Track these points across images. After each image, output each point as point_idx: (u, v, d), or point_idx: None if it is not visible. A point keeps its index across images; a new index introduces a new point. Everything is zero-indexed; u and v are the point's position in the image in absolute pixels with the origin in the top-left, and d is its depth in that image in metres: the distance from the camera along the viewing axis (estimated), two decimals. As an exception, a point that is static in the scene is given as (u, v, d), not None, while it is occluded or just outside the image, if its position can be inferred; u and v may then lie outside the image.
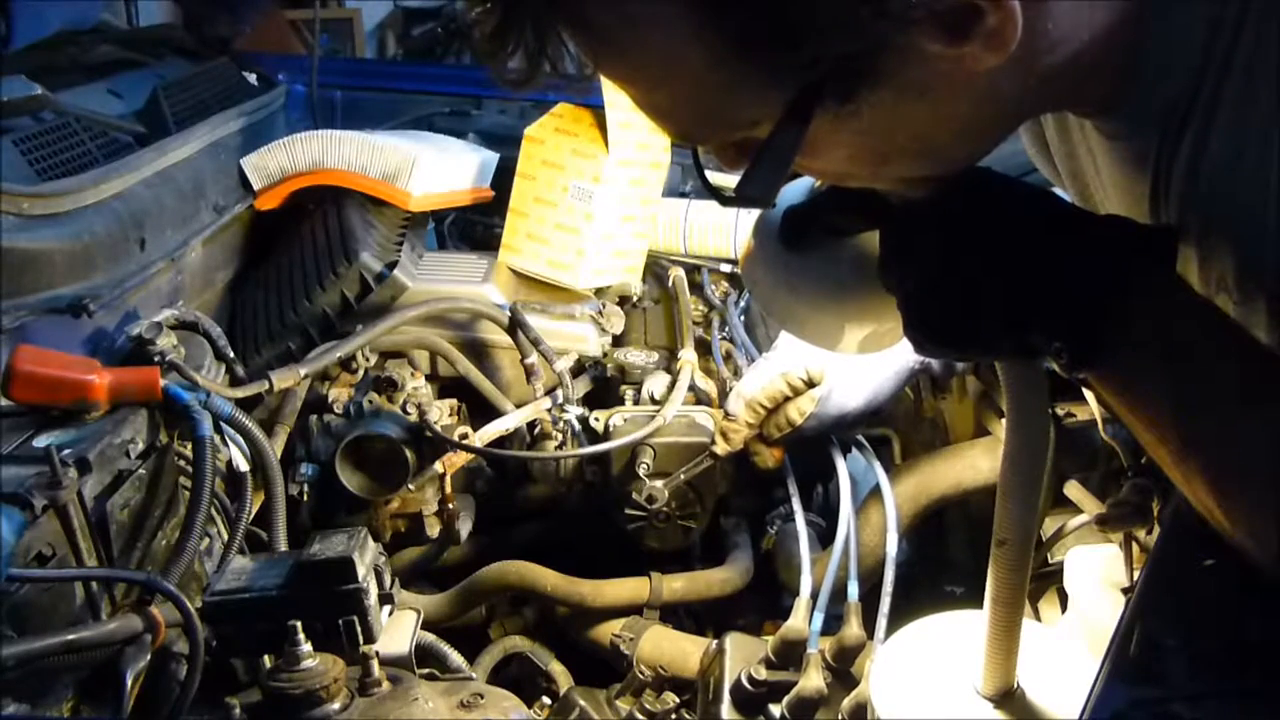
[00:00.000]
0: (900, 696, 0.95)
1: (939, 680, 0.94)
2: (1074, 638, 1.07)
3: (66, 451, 1.07)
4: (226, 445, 1.30)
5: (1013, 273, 0.67)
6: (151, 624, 1.01)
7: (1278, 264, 0.62)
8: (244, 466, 1.31)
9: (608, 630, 1.49)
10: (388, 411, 1.60)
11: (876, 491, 1.39)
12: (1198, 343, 0.64)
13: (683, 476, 1.50)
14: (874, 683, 0.99)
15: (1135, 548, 1.07)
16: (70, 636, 0.93)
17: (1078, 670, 0.93)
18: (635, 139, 1.77)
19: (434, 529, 1.60)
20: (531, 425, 1.62)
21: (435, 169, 1.75)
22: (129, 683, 0.99)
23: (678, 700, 1.36)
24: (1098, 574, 1.10)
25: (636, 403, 1.62)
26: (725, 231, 1.94)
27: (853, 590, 1.25)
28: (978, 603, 0.88)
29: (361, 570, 1.09)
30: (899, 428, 1.69)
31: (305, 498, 1.58)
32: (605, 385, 1.70)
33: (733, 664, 1.23)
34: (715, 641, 1.33)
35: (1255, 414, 0.61)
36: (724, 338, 1.81)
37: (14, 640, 0.90)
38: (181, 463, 1.28)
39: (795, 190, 0.84)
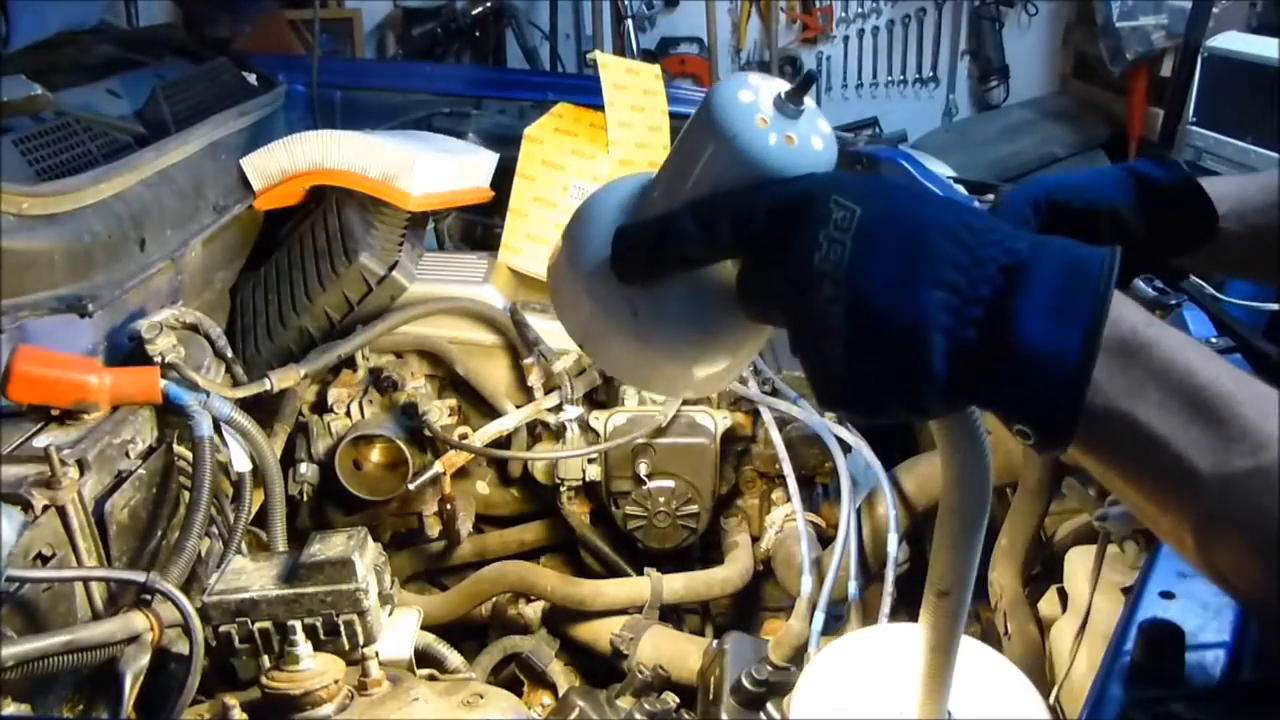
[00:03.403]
0: None
1: (865, 709, 0.90)
2: (1073, 639, 1.07)
3: (66, 451, 1.07)
4: (226, 445, 1.29)
5: (950, 330, 0.53)
6: (151, 624, 1.01)
7: None
8: (244, 467, 1.31)
9: (607, 630, 1.49)
10: (388, 412, 1.61)
11: (877, 491, 1.39)
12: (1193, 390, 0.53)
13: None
14: (796, 707, 0.95)
15: (1135, 548, 1.07)
16: (70, 636, 0.93)
17: (1010, 695, 0.89)
18: (635, 139, 1.77)
19: (434, 529, 1.60)
20: (531, 425, 1.62)
21: (435, 169, 1.75)
22: (129, 683, 0.99)
23: (678, 700, 1.36)
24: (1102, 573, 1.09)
25: (637, 403, 1.62)
26: (725, 231, 1.94)
27: (853, 590, 1.25)
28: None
29: (361, 570, 1.09)
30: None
31: (305, 498, 1.58)
32: (605, 385, 1.70)
33: (733, 664, 1.23)
34: (715, 641, 1.33)
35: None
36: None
37: (14, 640, 0.90)
38: (181, 463, 1.28)
39: (619, 194, 0.66)
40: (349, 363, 1.63)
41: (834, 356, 0.55)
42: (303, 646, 1.04)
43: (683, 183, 0.61)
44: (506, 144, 1.95)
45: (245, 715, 1.04)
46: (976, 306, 0.53)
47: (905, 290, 0.53)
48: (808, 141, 0.59)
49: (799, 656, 1.18)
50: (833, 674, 0.92)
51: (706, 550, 1.70)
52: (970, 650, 0.89)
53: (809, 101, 0.60)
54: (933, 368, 0.53)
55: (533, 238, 1.79)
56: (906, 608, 1.33)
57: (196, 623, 1.00)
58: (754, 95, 0.59)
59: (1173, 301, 1.24)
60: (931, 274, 0.53)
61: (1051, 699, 1.00)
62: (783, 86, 0.60)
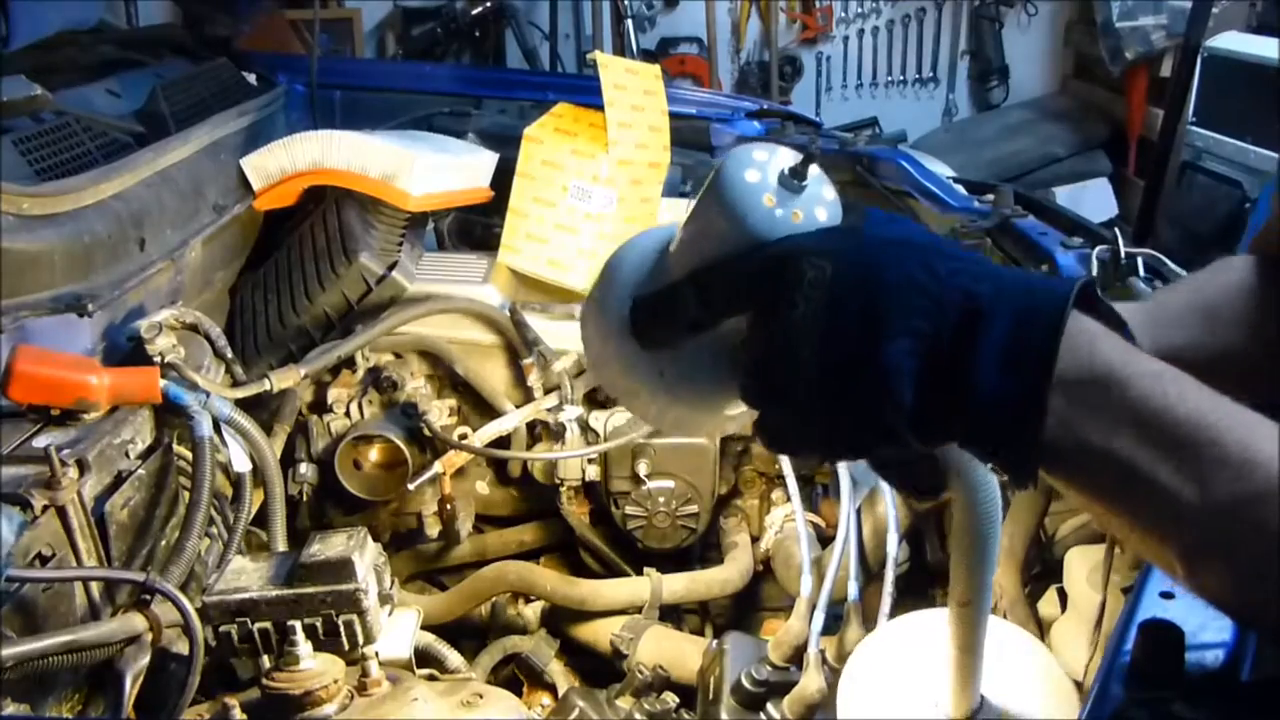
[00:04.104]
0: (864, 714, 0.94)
1: (903, 697, 0.93)
2: (1073, 638, 1.07)
3: (66, 451, 1.07)
4: (226, 445, 1.29)
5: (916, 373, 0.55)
6: (151, 624, 1.01)
7: None
8: (244, 467, 1.31)
9: (607, 630, 1.49)
10: (388, 411, 1.61)
11: (876, 491, 1.39)
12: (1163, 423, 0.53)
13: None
14: (840, 697, 0.97)
15: (1135, 548, 1.06)
16: (70, 636, 0.93)
17: (1043, 676, 0.93)
18: (635, 139, 1.77)
19: (434, 529, 1.60)
20: (531, 425, 1.62)
21: (435, 169, 1.75)
22: (129, 683, 0.99)
23: (678, 700, 1.36)
24: (1098, 574, 1.09)
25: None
26: (725, 231, 1.94)
27: (853, 590, 1.25)
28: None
29: (361, 570, 1.09)
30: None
31: (305, 498, 1.58)
32: (605, 385, 1.70)
33: (733, 664, 1.23)
34: (715, 641, 1.33)
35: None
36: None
37: (14, 640, 0.90)
38: (181, 463, 1.28)
39: (637, 256, 0.70)
40: (349, 363, 1.63)
41: (811, 409, 0.58)
42: (303, 647, 1.04)
43: (696, 255, 0.65)
44: (506, 144, 1.95)
45: (245, 715, 1.04)
46: (939, 351, 0.55)
47: (873, 341, 0.56)
48: (813, 214, 0.63)
49: (799, 656, 1.18)
50: (875, 665, 0.95)
51: (706, 550, 1.70)
52: (1002, 632, 0.94)
53: (813, 170, 0.64)
54: (903, 411, 0.56)
55: (533, 237, 1.79)
56: (907, 608, 1.33)
57: (196, 623, 1.00)
58: (760, 174, 0.63)
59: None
60: (897, 324, 0.56)
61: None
62: (789, 160, 0.64)
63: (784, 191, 0.63)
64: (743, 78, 4.91)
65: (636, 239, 0.72)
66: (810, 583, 1.28)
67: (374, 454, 1.58)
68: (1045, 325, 0.54)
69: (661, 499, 1.57)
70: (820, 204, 0.64)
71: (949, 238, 1.63)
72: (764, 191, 0.63)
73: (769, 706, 1.17)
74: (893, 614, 1.20)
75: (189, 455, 1.25)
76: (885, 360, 0.55)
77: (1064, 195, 4.18)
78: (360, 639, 1.10)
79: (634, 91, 1.80)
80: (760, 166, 0.64)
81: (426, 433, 1.53)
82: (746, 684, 1.18)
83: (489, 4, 4.37)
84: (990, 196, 1.70)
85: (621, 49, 4.50)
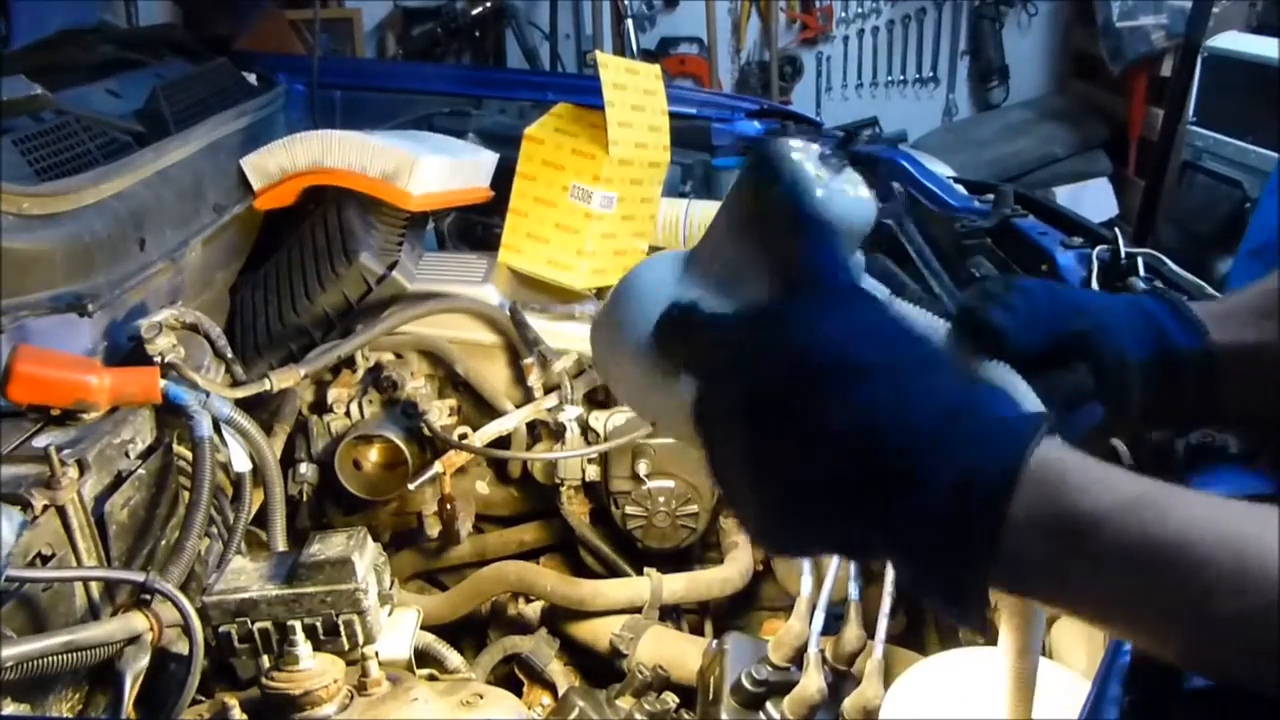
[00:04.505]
0: None
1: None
2: (1073, 639, 1.07)
3: (66, 451, 1.07)
4: (226, 445, 1.29)
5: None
6: (151, 624, 1.01)
7: None
8: (244, 467, 1.31)
9: (607, 630, 1.49)
10: (388, 411, 1.61)
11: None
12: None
13: None
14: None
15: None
16: (70, 636, 0.93)
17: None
18: (635, 139, 1.77)
19: (434, 529, 1.60)
20: (531, 425, 1.62)
21: (435, 169, 1.75)
22: (129, 683, 0.99)
23: (678, 700, 1.36)
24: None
25: (636, 403, 1.62)
26: (725, 231, 1.94)
27: (853, 590, 1.25)
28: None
29: (361, 570, 1.09)
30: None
31: (305, 498, 1.58)
32: (605, 385, 1.70)
33: (733, 664, 1.23)
34: (715, 641, 1.33)
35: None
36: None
37: (14, 640, 0.90)
38: (181, 463, 1.28)
39: (653, 274, 0.69)
40: (349, 363, 1.63)
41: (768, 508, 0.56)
42: (302, 646, 1.04)
43: (735, 243, 0.65)
44: (506, 144, 1.95)
45: (245, 715, 1.04)
46: (869, 546, 0.54)
47: (796, 527, 0.55)
48: (858, 190, 0.65)
49: (799, 656, 1.18)
50: (920, 697, 0.96)
51: (706, 550, 1.70)
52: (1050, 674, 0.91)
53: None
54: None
55: (533, 237, 1.79)
56: (906, 607, 1.33)
57: (196, 623, 1.00)
58: (803, 154, 0.64)
59: (1172, 301, 1.23)
60: (817, 529, 0.55)
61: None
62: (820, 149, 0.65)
63: (828, 170, 0.64)
64: (743, 78, 4.91)
65: (651, 261, 0.71)
66: (810, 583, 1.28)
67: (374, 454, 1.58)
68: (987, 499, 0.50)
69: (661, 499, 1.57)
70: (859, 184, 0.65)
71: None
72: (813, 170, 0.63)
73: (769, 706, 1.17)
74: (892, 613, 1.20)
75: (189, 455, 1.25)
76: (811, 545, 0.57)
77: (1064, 195, 4.18)
78: (360, 639, 1.10)
79: (634, 91, 1.80)
80: (802, 150, 0.65)
81: (426, 432, 1.53)
82: (746, 684, 1.18)
83: (489, 4, 4.37)
84: (990, 196, 1.70)
85: (621, 49, 4.50)
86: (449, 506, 1.56)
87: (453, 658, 1.38)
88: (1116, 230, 1.40)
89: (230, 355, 1.47)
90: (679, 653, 1.42)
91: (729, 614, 1.66)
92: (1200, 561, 0.48)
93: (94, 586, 1.07)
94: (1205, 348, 0.73)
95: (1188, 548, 0.49)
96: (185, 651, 1.01)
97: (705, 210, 1.97)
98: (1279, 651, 0.46)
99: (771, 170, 0.63)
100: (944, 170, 1.93)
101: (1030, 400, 0.64)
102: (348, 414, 1.60)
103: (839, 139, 0.66)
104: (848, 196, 0.64)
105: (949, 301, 0.69)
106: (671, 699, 1.36)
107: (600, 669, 1.52)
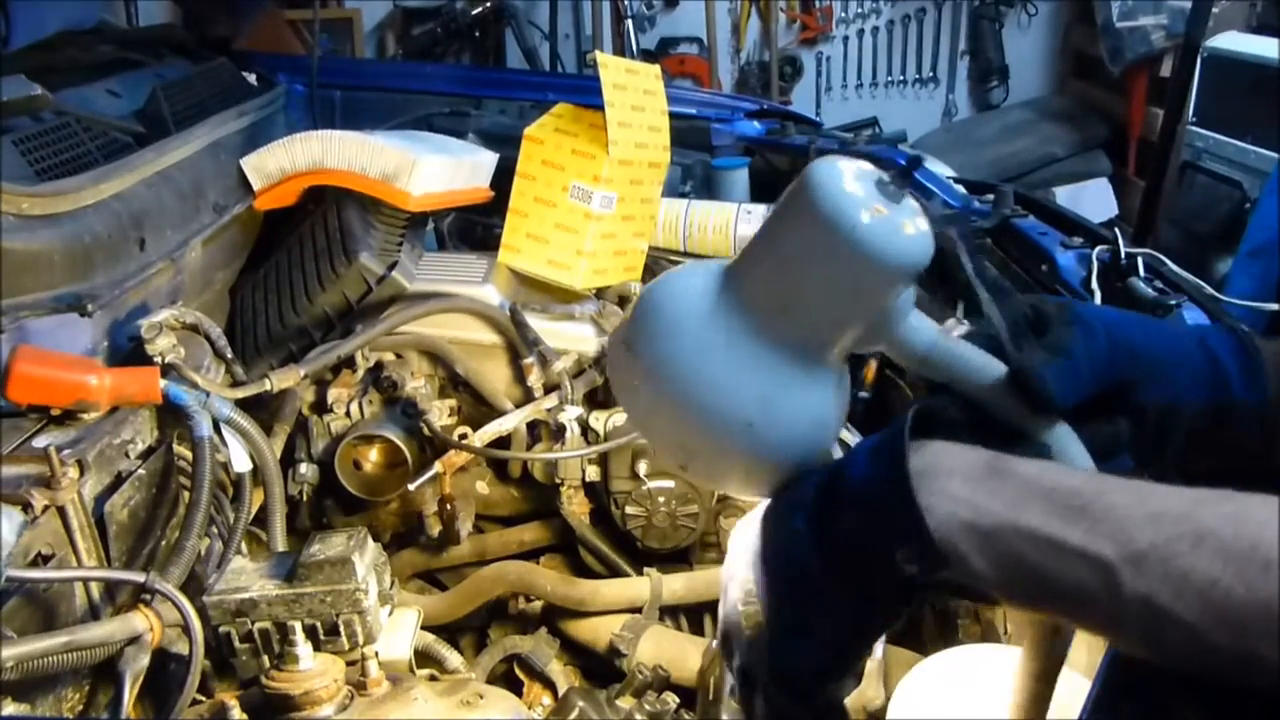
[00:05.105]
0: None
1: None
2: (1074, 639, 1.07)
3: (66, 451, 1.07)
4: (226, 445, 1.29)
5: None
6: (151, 624, 1.01)
7: None
8: (244, 467, 1.31)
9: (607, 630, 1.49)
10: (388, 411, 1.61)
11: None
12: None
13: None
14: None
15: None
16: (70, 637, 0.93)
17: None
18: (635, 139, 1.77)
19: (434, 529, 1.60)
20: (531, 425, 1.62)
21: (435, 169, 1.75)
22: (129, 683, 0.99)
23: (678, 700, 1.36)
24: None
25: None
26: (725, 231, 1.94)
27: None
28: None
29: (361, 570, 1.09)
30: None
31: (305, 498, 1.58)
32: (605, 385, 1.70)
33: (733, 664, 1.23)
34: (715, 641, 1.33)
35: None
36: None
37: (14, 640, 0.90)
38: (181, 463, 1.28)
39: (683, 294, 0.66)
40: (349, 362, 1.63)
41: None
42: (302, 646, 1.04)
43: (787, 278, 0.62)
44: (506, 144, 1.95)
45: (245, 715, 1.04)
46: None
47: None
48: (916, 225, 0.61)
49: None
50: (920, 701, 0.96)
51: (706, 550, 1.70)
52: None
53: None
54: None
55: (533, 237, 1.79)
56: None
57: (196, 623, 1.00)
58: (861, 185, 0.60)
59: (1172, 302, 1.23)
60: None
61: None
62: (875, 171, 0.61)
63: (887, 201, 0.59)
64: (743, 78, 4.91)
65: (685, 274, 0.67)
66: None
67: (374, 454, 1.58)
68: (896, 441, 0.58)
69: (661, 499, 1.57)
70: (918, 215, 0.61)
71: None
72: (870, 203, 0.58)
73: (768, 706, 1.16)
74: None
75: (189, 455, 1.25)
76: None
77: (1064, 195, 4.18)
78: (360, 639, 1.10)
79: (634, 91, 1.80)
80: (858, 177, 0.60)
81: (426, 432, 1.53)
82: (746, 684, 1.18)
83: (489, 4, 4.37)
84: (990, 196, 1.70)
85: (621, 49, 4.50)
86: (449, 506, 1.56)
87: (453, 658, 1.38)
88: (1116, 230, 1.41)
89: (230, 355, 1.47)
90: (679, 653, 1.42)
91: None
92: (1107, 507, 0.54)
93: (94, 586, 1.07)
94: (1266, 400, 0.69)
95: (1092, 490, 0.55)
96: (185, 651, 1.01)
97: (705, 210, 1.97)
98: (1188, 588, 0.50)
99: (815, 198, 0.59)
100: (944, 170, 1.93)
101: (1084, 464, 0.64)
102: (348, 414, 1.60)
103: (903, 166, 0.59)
104: (906, 235, 0.59)
105: (1001, 326, 0.65)
106: (671, 699, 1.36)
107: (600, 669, 1.52)
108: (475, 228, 2.11)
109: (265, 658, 1.10)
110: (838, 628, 0.62)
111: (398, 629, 1.26)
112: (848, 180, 0.59)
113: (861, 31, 4.87)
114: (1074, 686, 0.94)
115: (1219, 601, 0.49)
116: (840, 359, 0.66)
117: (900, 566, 0.57)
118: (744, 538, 0.72)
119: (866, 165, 0.61)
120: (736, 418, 0.62)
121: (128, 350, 1.34)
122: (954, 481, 0.57)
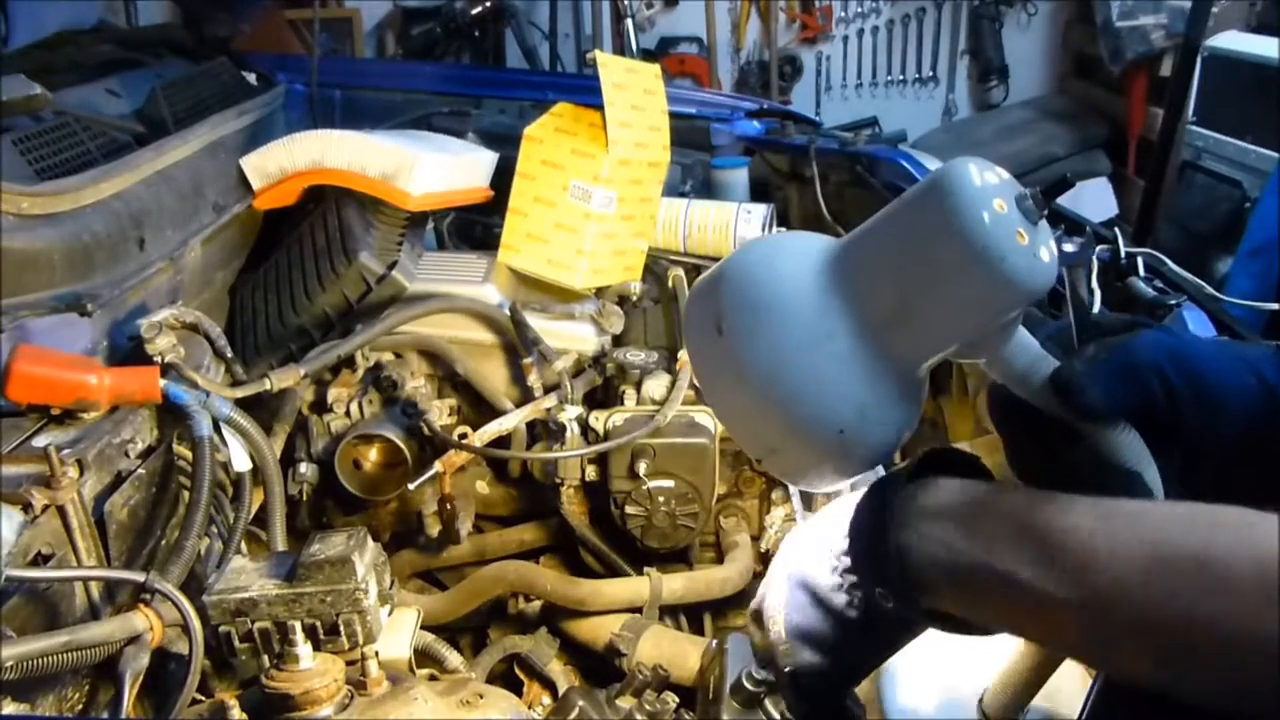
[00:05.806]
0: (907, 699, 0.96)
1: (948, 687, 0.95)
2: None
3: (66, 451, 1.07)
4: (225, 445, 1.29)
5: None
6: (151, 624, 1.01)
7: None
8: (244, 466, 1.31)
9: (607, 630, 1.49)
10: (387, 411, 1.61)
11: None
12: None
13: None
14: (883, 682, 0.99)
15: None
16: (70, 636, 0.93)
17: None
18: (635, 138, 1.77)
19: (434, 529, 1.60)
20: (531, 425, 1.62)
21: (435, 169, 1.75)
22: (129, 683, 0.99)
23: (678, 700, 1.36)
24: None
25: (637, 403, 1.62)
26: (725, 231, 1.94)
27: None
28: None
29: (361, 570, 1.09)
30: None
31: (305, 498, 1.58)
32: (605, 385, 1.70)
33: (733, 664, 1.23)
34: (715, 641, 1.33)
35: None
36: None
37: (14, 640, 0.90)
38: (181, 463, 1.28)
39: (797, 263, 0.64)
40: (349, 362, 1.63)
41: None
42: (302, 646, 1.03)
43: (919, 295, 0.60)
44: (506, 144, 1.95)
45: (245, 715, 1.04)
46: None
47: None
48: (1051, 250, 0.60)
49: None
50: (915, 662, 0.97)
51: (706, 550, 1.70)
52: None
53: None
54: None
55: (532, 237, 1.79)
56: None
57: (196, 623, 1.00)
58: (1006, 203, 0.58)
59: (1172, 301, 1.23)
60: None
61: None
62: (1014, 184, 0.60)
63: (1026, 222, 0.57)
64: (743, 77, 4.91)
65: (777, 258, 0.64)
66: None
67: (374, 453, 1.58)
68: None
69: (661, 499, 1.57)
70: (1050, 239, 0.59)
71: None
72: (1015, 225, 0.56)
73: (767, 704, 1.16)
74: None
75: (189, 455, 1.25)
76: None
77: (1064, 195, 4.17)
78: (360, 639, 1.10)
79: (634, 91, 1.80)
80: (1001, 193, 0.57)
81: (426, 432, 1.53)
82: (747, 684, 1.18)
83: (489, 4, 4.37)
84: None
85: (621, 49, 4.50)
86: (449, 506, 1.56)
87: (453, 657, 1.38)
88: (1116, 230, 1.41)
89: (230, 355, 1.47)
90: (679, 653, 1.42)
91: (728, 614, 1.66)
92: (1072, 546, 0.55)
93: (94, 586, 1.07)
94: None
95: (1063, 529, 0.56)
96: (185, 651, 1.01)
97: (705, 210, 1.97)
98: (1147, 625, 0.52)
99: (963, 223, 0.56)
100: (944, 170, 1.93)
101: (1151, 476, 0.63)
102: (348, 414, 1.60)
103: (1044, 188, 0.57)
104: (1044, 262, 0.57)
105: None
106: (671, 699, 1.36)
107: (600, 669, 1.52)
108: (475, 227, 2.11)
109: (265, 657, 1.10)
110: (851, 649, 0.71)
111: (398, 629, 1.26)
112: (995, 200, 0.57)
113: (861, 31, 4.87)
114: (1074, 679, 0.95)
115: (1178, 629, 0.51)
116: (929, 370, 0.65)
117: (879, 601, 0.63)
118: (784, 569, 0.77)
119: (1004, 174, 0.59)
120: (830, 423, 0.61)
121: (127, 350, 1.34)
122: (937, 523, 0.60)
